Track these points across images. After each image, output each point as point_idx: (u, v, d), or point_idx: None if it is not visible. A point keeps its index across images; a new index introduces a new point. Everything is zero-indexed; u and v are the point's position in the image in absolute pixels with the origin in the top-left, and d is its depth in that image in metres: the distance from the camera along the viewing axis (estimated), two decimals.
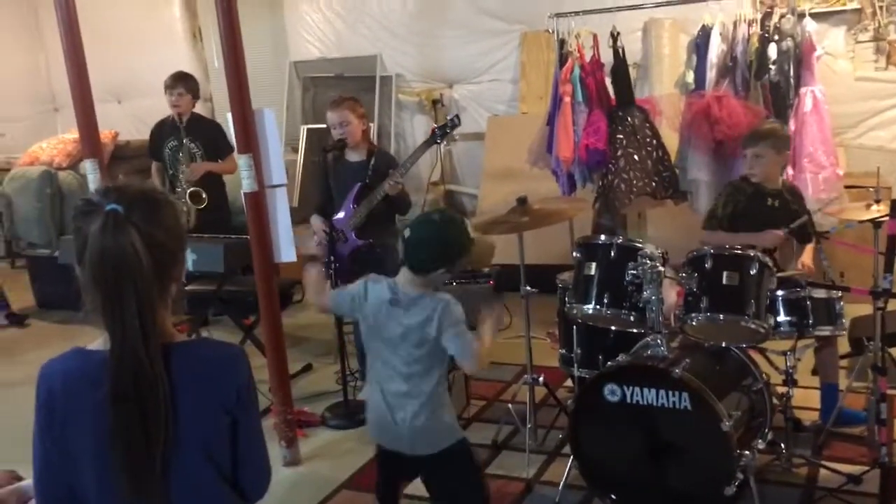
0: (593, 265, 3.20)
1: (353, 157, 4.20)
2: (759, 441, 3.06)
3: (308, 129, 7.09)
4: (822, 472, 3.21)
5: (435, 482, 2.61)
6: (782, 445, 3.22)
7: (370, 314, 2.53)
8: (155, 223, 1.43)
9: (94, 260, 1.37)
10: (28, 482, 2.34)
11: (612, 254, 3.17)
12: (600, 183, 4.95)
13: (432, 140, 4.13)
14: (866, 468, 3.11)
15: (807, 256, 3.57)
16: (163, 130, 5.28)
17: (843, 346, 3.76)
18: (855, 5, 5.60)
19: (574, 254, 3.32)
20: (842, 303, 3.12)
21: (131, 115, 7.59)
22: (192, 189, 5.09)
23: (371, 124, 6.06)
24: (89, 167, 3.55)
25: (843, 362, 3.79)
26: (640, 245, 3.11)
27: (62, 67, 3.45)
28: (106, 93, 7.28)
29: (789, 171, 4.49)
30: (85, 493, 1.48)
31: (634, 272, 3.06)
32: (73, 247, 1.43)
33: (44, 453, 1.46)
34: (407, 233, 2.51)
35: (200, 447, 1.46)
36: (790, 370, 3.19)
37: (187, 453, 1.44)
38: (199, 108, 7.50)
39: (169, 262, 1.46)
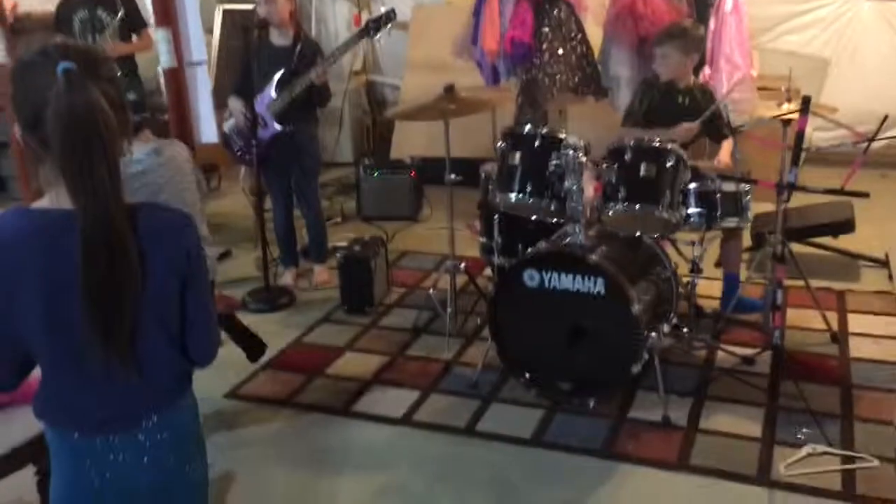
0: (517, 155, 3.24)
1: (279, 40, 4.06)
2: (665, 325, 3.25)
3: (224, 10, 6.77)
4: (720, 354, 3.46)
5: None
6: (685, 330, 3.44)
7: None
8: (104, 79, 1.40)
9: (63, 120, 1.34)
10: None
11: (537, 144, 3.21)
12: (524, 77, 4.96)
13: (364, 32, 4.02)
14: (759, 350, 3.36)
15: (724, 154, 3.71)
16: (70, 3, 4.97)
17: (746, 241, 3.98)
18: None
19: (499, 143, 3.36)
20: (749, 197, 3.28)
21: None
22: None
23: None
24: None
25: (744, 256, 4.02)
26: (563, 136, 3.17)
27: None
28: None
29: (706, 70, 4.61)
30: (30, 348, 1.49)
31: (557, 162, 3.13)
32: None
33: None
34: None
35: (152, 309, 1.47)
36: (696, 260, 3.37)
37: (142, 315, 1.46)
38: None
39: (120, 117, 1.43)
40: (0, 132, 5.12)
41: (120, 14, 4.82)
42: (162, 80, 3.28)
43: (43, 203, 1.45)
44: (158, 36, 3.16)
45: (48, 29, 5.24)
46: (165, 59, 3.18)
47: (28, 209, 1.47)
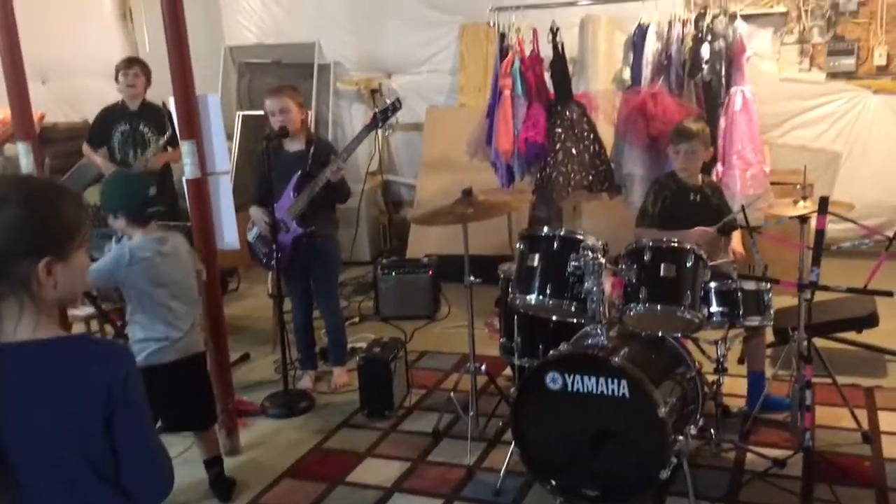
0: (536, 256, 3.26)
1: (292, 146, 4.16)
2: (692, 427, 3.18)
3: (244, 116, 6.99)
4: (750, 456, 3.37)
5: None
6: (712, 431, 3.36)
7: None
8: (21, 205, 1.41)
9: None
10: None
11: (555, 245, 3.24)
12: (538, 176, 5.04)
13: (374, 124, 4.13)
14: (790, 452, 3.27)
15: (737, 244, 3.73)
16: (111, 115, 5.11)
17: (768, 337, 3.94)
18: (781, 8, 5.85)
19: (517, 245, 3.38)
20: (770, 294, 3.26)
21: (57, 97, 7.32)
22: None
23: (309, 112, 6.02)
24: (22, 149, 3.44)
25: (768, 352, 3.96)
26: (581, 237, 3.19)
27: None
28: (30, 72, 6.99)
29: (719, 167, 4.66)
30: None
31: (576, 263, 3.14)
32: None
33: None
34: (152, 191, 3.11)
35: (69, 447, 1.43)
36: (721, 359, 3.33)
37: (50, 453, 1.42)
38: None
39: (32, 240, 1.42)
40: None
41: (168, 134, 4.94)
42: (185, 189, 3.33)
43: None
44: (184, 149, 3.24)
45: (77, 139, 5.39)
46: (190, 171, 3.25)
47: None
